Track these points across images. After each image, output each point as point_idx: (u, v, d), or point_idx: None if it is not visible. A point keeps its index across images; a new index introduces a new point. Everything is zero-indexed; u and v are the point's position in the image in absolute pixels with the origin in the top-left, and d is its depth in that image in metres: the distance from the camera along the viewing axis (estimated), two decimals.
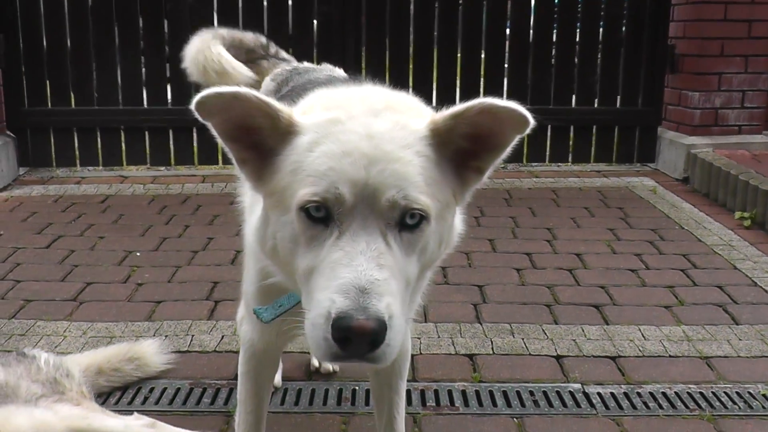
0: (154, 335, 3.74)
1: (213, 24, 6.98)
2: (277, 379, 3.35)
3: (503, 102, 1.70)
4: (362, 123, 1.68)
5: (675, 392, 3.33)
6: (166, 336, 3.75)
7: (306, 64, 2.95)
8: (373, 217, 1.62)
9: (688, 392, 3.33)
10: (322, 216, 1.62)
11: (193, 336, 3.76)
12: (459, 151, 1.77)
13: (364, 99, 1.81)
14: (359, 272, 1.55)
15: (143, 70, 7.17)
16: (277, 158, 1.72)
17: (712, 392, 3.33)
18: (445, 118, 1.73)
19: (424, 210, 1.64)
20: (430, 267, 1.86)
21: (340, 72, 2.95)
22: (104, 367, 3.31)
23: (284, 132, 1.71)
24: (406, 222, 1.65)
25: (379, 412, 2.56)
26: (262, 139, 1.73)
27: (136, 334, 3.76)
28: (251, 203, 2.12)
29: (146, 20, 7.11)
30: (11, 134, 7.04)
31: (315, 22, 7.19)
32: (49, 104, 7.12)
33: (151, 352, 3.46)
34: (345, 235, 1.60)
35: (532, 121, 1.74)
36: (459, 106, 1.71)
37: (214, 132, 1.74)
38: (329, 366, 3.46)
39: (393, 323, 1.55)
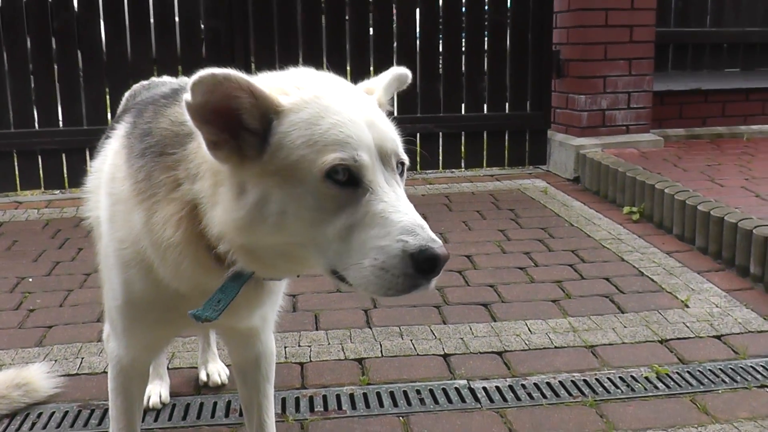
0: (44, 360, 3.66)
1: (100, 41, 6.94)
2: (165, 394, 3.33)
3: (402, 68, 2.17)
4: (340, 95, 1.82)
5: (559, 381, 3.40)
6: (56, 360, 3.67)
7: (164, 78, 2.93)
8: (387, 171, 1.79)
9: (572, 380, 3.41)
10: (345, 180, 1.72)
11: (83, 358, 3.69)
12: None
13: (321, 78, 1.92)
14: (411, 215, 1.72)
15: (33, 91, 7.03)
16: (270, 137, 1.76)
17: (596, 379, 3.42)
18: (383, 90, 2.06)
19: (405, 160, 1.88)
20: None
21: None
22: None
23: (272, 112, 1.76)
24: (398, 170, 1.85)
25: (249, 418, 2.59)
26: (240, 121, 1.76)
27: (26, 360, 3.67)
28: (111, 216, 2.11)
29: (33, 39, 6.95)
30: None
31: (203, 38, 7.16)
32: None
33: (39, 377, 3.38)
34: (377, 190, 1.73)
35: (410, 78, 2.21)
36: (382, 79, 2.11)
37: (188, 115, 1.72)
38: (217, 378, 3.45)
39: None
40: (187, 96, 1.68)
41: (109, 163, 2.17)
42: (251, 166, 1.77)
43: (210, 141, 1.76)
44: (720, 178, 5.93)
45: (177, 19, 7.07)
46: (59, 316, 4.21)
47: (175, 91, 2.11)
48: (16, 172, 7.09)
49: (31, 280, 4.78)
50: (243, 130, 1.76)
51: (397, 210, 1.71)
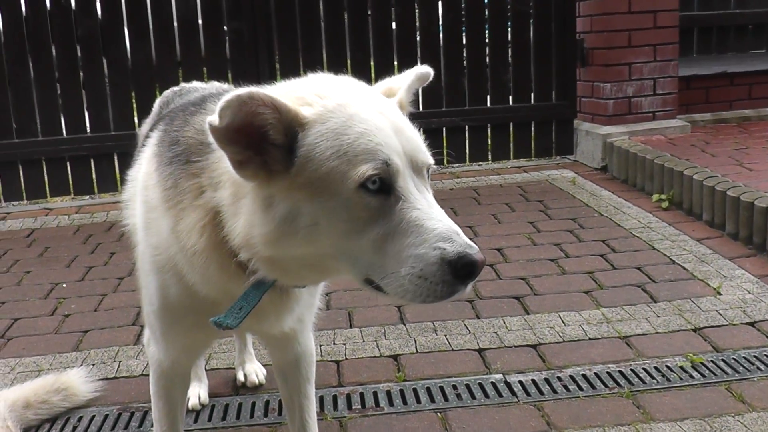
0: (81, 364, 3.72)
1: (125, 46, 6.99)
2: (204, 396, 3.38)
3: (424, 67, 2.13)
4: (364, 102, 1.83)
5: (594, 373, 3.41)
6: (93, 364, 3.73)
7: (194, 83, 2.96)
8: (417, 179, 1.80)
9: (607, 372, 3.42)
10: (378, 188, 1.73)
11: (120, 362, 3.75)
12: None
13: (341, 84, 1.92)
14: (446, 222, 1.73)
15: (59, 98, 7.09)
16: (299, 152, 1.76)
17: (631, 369, 3.43)
18: (404, 92, 2.05)
19: (433, 165, 1.88)
20: None
21: (226, 87, 2.98)
22: (31, 401, 3.28)
23: (297, 125, 1.76)
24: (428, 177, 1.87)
25: (291, 418, 2.62)
26: (265, 137, 1.75)
27: (64, 365, 3.73)
28: (145, 223, 2.15)
29: (58, 47, 7.03)
30: None
31: (227, 39, 7.19)
32: None
33: (77, 381, 3.44)
34: (409, 198, 1.74)
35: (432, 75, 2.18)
36: (404, 79, 2.08)
37: (212, 138, 1.72)
38: (255, 378, 3.49)
39: None
40: (213, 119, 1.68)
41: (143, 171, 2.21)
42: (279, 180, 1.77)
43: (235, 160, 1.76)
44: (748, 162, 5.89)
45: (200, 21, 7.12)
46: (95, 320, 4.26)
47: (203, 99, 2.14)
48: (46, 179, 7.17)
49: (65, 285, 4.84)
50: (268, 146, 1.76)
51: (431, 217, 1.73)
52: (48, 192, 7.18)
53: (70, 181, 7.16)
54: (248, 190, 1.81)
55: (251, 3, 7.06)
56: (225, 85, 2.89)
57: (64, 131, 7.11)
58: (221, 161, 1.85)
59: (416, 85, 2.12)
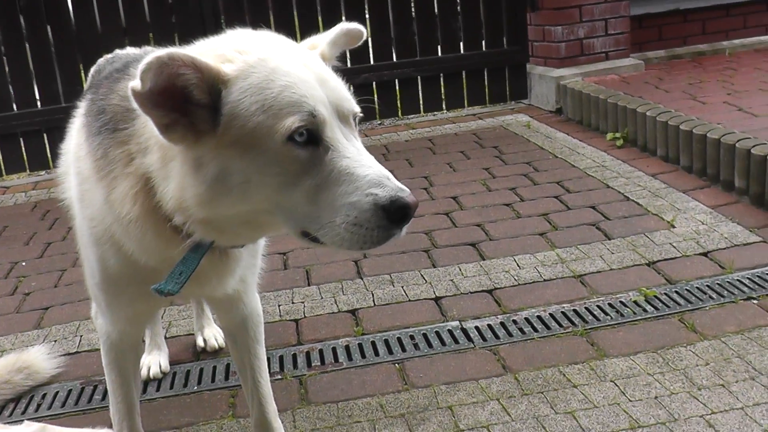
0: (43, 341, 3.70)
1: (69, 15, 6.86)
2: (165, 364, 3.38)
3: (353, 23, 2.11)
4: (287, 55, 1.81)
5: (549, 314, 3.45)
6: (55, 340, 3.71)
7: (127, 50, 2.91)
8: (345, 127, 1.79)
9: (562, 312, 3.46)
10: (306, 140, 1.72)
11: (81, 336, 3.73)
12: None
13: (262, 39, 1.90)
14: (376, 167, 1.74)
15: (7, 71, 6.97)
16: (222, 108, 1.74)
17: (585, 308, 3.47)
18: (327, 45, 2.04)
19: (360, 112, 1.88)
20: None
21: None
22: None
23: (219, 82, 1.74)
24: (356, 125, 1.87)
25: (244, 379, 2.62)
26: (188, 97, 1.73)
27: (26, 344, 3.70)
28: (80, 195, 2.12)
29: (1, 20, 6.88)
30: None
31: (171, 2, 7.08)
32: None
33: (39, 358, 3.42)
34: (338, 147, 1.74)
35: (365, 35, 2.16)
36: (332, 34, 2.07)
37: (135, 103, 1.69)
38: (215, 343, 3.49)
39: None
40: (135, 84, 1.65)
41: (74, 142, 2.19)
42: (206, 140, 1.75)
43: (161, 124, 1.73)
44: (702, 96, 5.92)
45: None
46: (55, 296, 4.24)
47: (127, 64, 2.10)
48: (0, 157, 7.07)
49: (24, 264, 4.80)
50: (193, 106, 1.74)
51: (362, 164, 1.73)
52: (3, 170, 7.08)
53: (25, 157, 7.06)
54: (176, 153, 1.79)
55: None
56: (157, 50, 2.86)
57: (14, 107, 6.99)
58: (147, 126, 1.83)
59: (342, 40, 2.10)
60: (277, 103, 1.71)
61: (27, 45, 6.94)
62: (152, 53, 1.66)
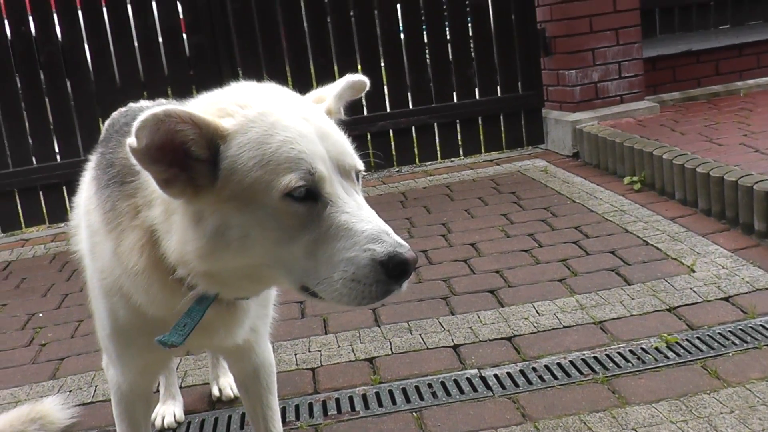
0: (59, 392, 3.69)
1: (88, 69, 6.94)
2: (179, 413, 3.37)
3: (357, 75, 2.15)
4: (288, 109, 1.82)
5: (569, 361, 3.40)
6: (70, 391, 3.70)
7: (141, 103, 2.94)
8: (346, 182, 1.80)
9: (582, 359, 3.41)
10: (304, 196, 1.73)
11: (96, 386, 3.72)
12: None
13: (263, 92, 1.92)
14: (375, 223, 1.74)
15: (27, 126, 7.04)
16: (223, 164, 1.76)
17: (606, 354, 3.42)
18: (333, 99, 2.04)
19: (362, 169, 1.87)
20: None
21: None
22: None
23: (219, 138, 1.76)
24: (358, 180, 1.87)
25: (256, 429, 2.61)
26: (187, 153, 1.75)
27: (41, 394, 3.69)
28: (92, 249, 2.13)
29: (22, 76, 6.96)
30: None
31: (188, 55, 7.15)
32: None
33: (53, 409, 3.40)
34: (337, 202, 1.75)
35: (368, 84, 2.19)
36: (337, 88, 2.09)
37: (134, 159, 1.72)
38: (230, 392, 3.46)
39: None
40: (132, 141, 1.68)
41: (85, 195, 2.21)
42: (206, 194, 1.76)
43: (161, 179, 1.75)
44: (718, 138, 5.89)
45: (160, 39, 7.07)
46: (71, 347, 4.23)
47: (135, 118, 2.12)
48: (20, 210, 7.10)
49: (41, 315, 4.80)
50: (192, 161, 1.76)
51: (360, 219, 1.73)
52: (23, 222, 7.11)
53: (44, 210, 7.09)
54: (177, 207, 1.81)
55: (210, 17, 7.02)
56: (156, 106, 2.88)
57: (34, 161, 7.04)
58: (151, 180, 1.84)
59: (349, 92, 2.13)
60: (275, 159, 1.73)
61: (47, 99, 7.01)
62: (149, 110, 1.68)
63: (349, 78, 2.12)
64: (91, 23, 6.95)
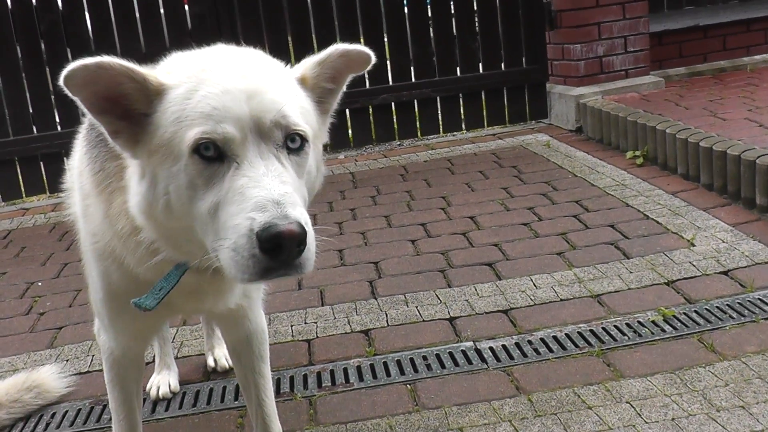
0: (56, 361, 3.69)
1: (89, 39, 6.90)
2: (174, 383, 3.35)
3: (353, 45, 1.99)
4: (234, 66, 1.78)
5: (565, 334, 3.39)
6: (67, 360, 3.70)
7: None
8: (263, 144, 1.71)
9: (578, 332, 3.39)
10: (214, 155, 1.69)
11: (93, 356, 3.72)
12: (321, 95, 1.98)
13: (224, 52, 1.90)
14: (268, 189, 1.63)
15: (27, 95, 7.01)
16: (152, 117, 1.76)
17: (602, 328, 3.40)
18: (312, 65, 1.94)
19: (302, 131, 1.76)
20: (312, 194, 1.93)
21: None
22: (3, 400, 3.25)
23: (154, 92, 1.75)
24: (290, 146, 1.75)
25: (248, 397, 2.59)
26: (130, 106, 1.76)
27: (39, 363, 3.69)
28: (84, 212, 2.11)
29: (22, 45, 6.93)
30: None
31: (189, 25, 7.11)
32: None
33: (49, 377, 3.41)
34: (243, 164, 1.67)
35: (374, 58, 2.03)
36: (321, 54, 1.97)
37: (83, 107, 1.75)
38: (225, 363, 3.45)
39: (308, 229, 1.64)
40: (66, 92, 1.69)
41: (77, 156, 2.19)
42: (141, 149, 1.77)
43: (110, 130, 1.77)
44: (723, 113, 5.84)
45: (162, 10, 7.03)
46: (69, 316, 4.23)
47: None
48: (20, 179, 7.10)
49: (40, 284, 4.80)
50: (139, 115, 1.76)
51: (257, 185, 1.65)
52: (23, 192, 7.12)
53: (45, 180, 7.08)
54: (131, 163, 1.83)
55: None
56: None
57: (34, 130, 7.02)
58: None
59: (341, 62, 2.00)
60: (191, 114, 1.70)
61: (47, 68, 6.98)
62: (81, 60, 1.69)
63: (339, 46, 1.99)
64: None
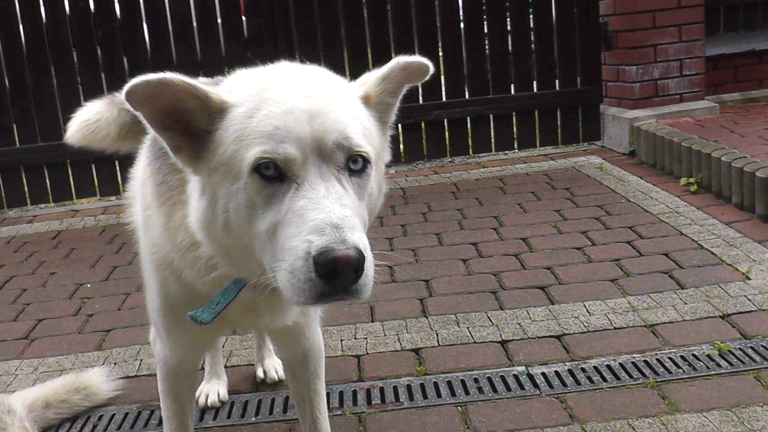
0: (103, 363, 3.73)
1: (146, 47, 6.96)
2: (223, 393, 3.37)
3: (413, 57, 1.96)
4: (296, 85, 1.77)
5: (619, 363, 3.35)
6: (115, 363, 3.74)
7: (200, 80, 2.94)
8: (325, 165, 1.70)
9: (632, 362, 3.35)
10: (275, 174, 1.68)
11: (141, 360, 3.75)
12: (382, 111, 1.95)
13: (287, 70, 1.90)
14: (327, 212, 1.61)
15: (82, 100, 7.08)
16: (214, 135, 1.76)
17: (657, 359, 3.36)
18: (375, 81, 1.91)
19: (365, 153, 1.75)
20: (372, 216, 1.92)
21: None
22: (51, 400, 3.29)
23: (216, 110, 1.76)
24: (352, 167, 1.74)
25: (302, 414, 2.60)
26: (192, 122, 1.78)
27: (86, 365, 3.73)
28: (146, 222, 2.13)
29: (79, 52, 7.03)
30: None
31: (246, 36, 7.16)
32: None
33: (97, 380, 3.45)
34: (303, 185, 1.66)
35: (432, 69, 1.99)
36: (384, 69, 1.93)
37: (145, 122, 1.77)
38: (274, 375, 3.46)
39: (367, 255, 1.63)
40: (128, 107, 1.71)
41: (140, 166, 2.21)
42: (202, 166, 1.78)
43: (172, 146, 1.79)
44: None
45: (219, 20, 7.08)
46: (118, 319, 4.27)
47: None
48: (71, 182, 7.18)
49: (89, 285, 4.86)
50: (201, 132, 1.78)
51: (316, 206, 1.64)
52: (74, 194, 7.20)
53: (96, 183, 7.17)
54: (192, 179, 1.84)
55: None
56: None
57: None
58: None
59: (402, 75, 1.97)
60: (253, 133, 1.70)
61: (103, 75, 7.07)
62: (145, 76, 1.71)
63: (401, 59, 1.95)
64: (150, 1, 6.98)
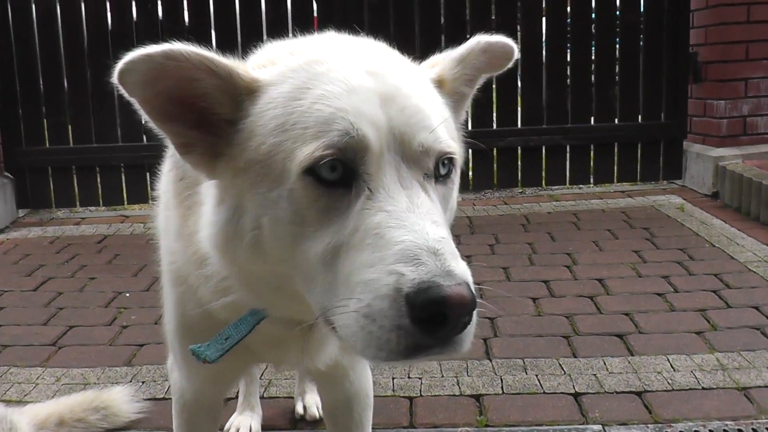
0: (131, 381, 3.48)
1: (211, 41, 6.78)
2: (255, 427, 3.08)
3: (495, 36, 1.61)
4: (356, 59, 1.36)
5: (710, 430, 2.97)
6: (143, 382, 3.50)
7: None
8: (406, 167, 1.29)
9: (724, 429, 2.98)
10: (338, 177, 1.26)
11: None
12: (457, 101, 1.56)
13: (339, 41, 1.50)
14: (419, 232, 1.19)
15: None
16: (242, 125, 1.35)
17: (753, 429, 2.97)
18: (451, 63, 1.52)
19: (454, 155, 1.34)
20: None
21: None
22: (66, 418, 3.05)
23: (244, 91, 1.35)
24: (439, 172, 1.33)
25: None
26: (210, 110, 1.36)
27: (112, 381, 3.50)
28: (165, 226, 1.77)
29: None
30: (9, 175, 6.89)
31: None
32: (47, 143, 6.99)
33: (120, 400, 3.19)
34: (378, 193, 1.25)
35: (517, 53, 1.66)
36: (461, 49, 1.57)
37: (142, 112, 1.36)
38: (315, 412, 3.13)
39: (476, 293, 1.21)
40: (122, 91, 1.31)
41: (166, 163, 1.82)
42: (222, 166, 1.35)
43: (179, 143, 1.38)
44: None
45: (290, 22, 6.92)
46: (153, 334, 4.01)
47: None
48: (124, 186, 7.07)
49: (128, 294, 4.66)
50: (217, 122, 1.36)
51: (402, 224, 1.21)
52: (125, 198, 7.09)
53: (148, 189, 6.96)
54: (207, 183, 1.43)
55: (344, 12, 6.83)
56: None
57: (144, 138, 6.93)
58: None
59: (483, 59, 1.60)
60: (303, 120, 1.28)
61: None
62: (142, 48, 1.29)
63: (481, 38, 1.59)
64: (219, 7, 6.86)
